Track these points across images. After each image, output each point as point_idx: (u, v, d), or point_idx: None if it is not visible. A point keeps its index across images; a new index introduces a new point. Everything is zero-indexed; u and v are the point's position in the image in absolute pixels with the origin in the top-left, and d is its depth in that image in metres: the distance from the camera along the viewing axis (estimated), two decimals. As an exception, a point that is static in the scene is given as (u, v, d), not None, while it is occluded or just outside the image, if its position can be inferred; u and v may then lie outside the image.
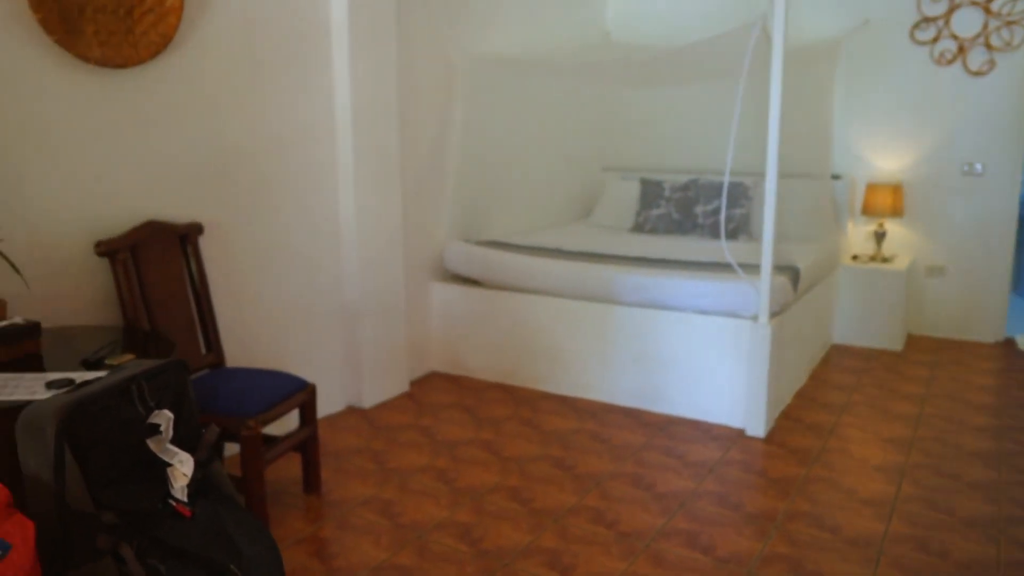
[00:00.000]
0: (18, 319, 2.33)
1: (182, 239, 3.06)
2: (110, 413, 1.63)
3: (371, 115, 3.84)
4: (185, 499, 1.73)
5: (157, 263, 2.92)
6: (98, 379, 1.72)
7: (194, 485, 1.77)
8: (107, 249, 2.73)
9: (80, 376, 2.11)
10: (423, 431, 3.73)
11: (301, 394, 2.98)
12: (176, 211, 3.10)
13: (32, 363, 2.28)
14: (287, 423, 3.34)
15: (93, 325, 2.78)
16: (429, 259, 4.53)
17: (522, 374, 4.35)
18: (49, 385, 2.04)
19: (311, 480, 3.11)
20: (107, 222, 2.86)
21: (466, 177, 4.63)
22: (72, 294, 2.79)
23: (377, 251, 3.98)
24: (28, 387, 2.05)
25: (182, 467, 1.73)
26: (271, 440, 2.98)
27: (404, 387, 4.25)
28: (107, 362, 2.24)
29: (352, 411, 3.98)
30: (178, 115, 3.07)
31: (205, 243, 3.19)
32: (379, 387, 4.09)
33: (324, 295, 3.85)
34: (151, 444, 1.70)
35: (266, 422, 2.76)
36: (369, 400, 4.03)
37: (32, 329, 2.32)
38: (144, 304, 2.85)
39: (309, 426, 3.04)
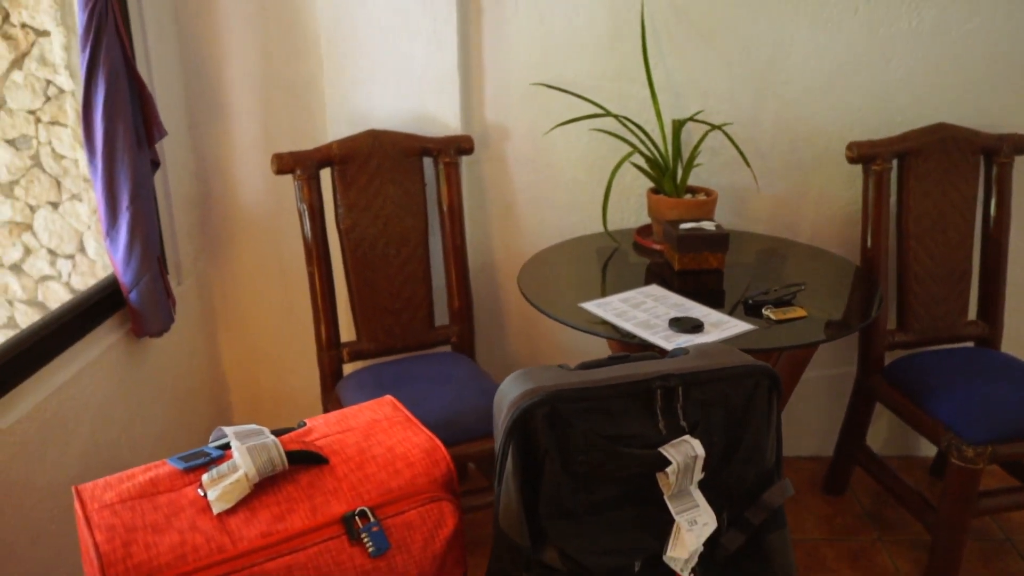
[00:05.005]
0: (708, 223, 1.94)
1: (985, 155, 2.14)
2: (608, 419, 1.13)
3: None
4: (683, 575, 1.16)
5: (935, 184, 2.11)
6: (640, 357, 1.23)
7: (718, 560, 1.18)
8: (861, 153, 2.06)
9: (711, 320, 1.63)
10: None
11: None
12: (982, 115, 2.16)
13: (709, 281, 1.90)
14: None
15: (818, 248, 2.20)
16: None
17: None
18: (673, 323, 1.63)
19: (1061, 554, 2.06)
20: (876, 118, 2.16)
21: None
22: (813, 204, 2.24)
23: None
24: (651, 318, 1.67)
25: (693, 530, 1.14)
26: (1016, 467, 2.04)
27: None
28: (764, 313, 1.69)
29: None
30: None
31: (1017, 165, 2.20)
32: None
33: None
34: (661, 481, 1.15)
35: (998, 458, 1.84)
36: None
37: (720, 240, 1.91)
38: (899, 236, 2.12)
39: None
